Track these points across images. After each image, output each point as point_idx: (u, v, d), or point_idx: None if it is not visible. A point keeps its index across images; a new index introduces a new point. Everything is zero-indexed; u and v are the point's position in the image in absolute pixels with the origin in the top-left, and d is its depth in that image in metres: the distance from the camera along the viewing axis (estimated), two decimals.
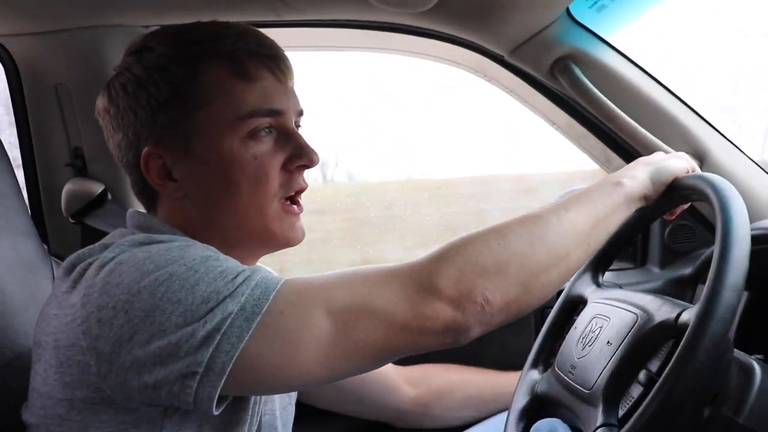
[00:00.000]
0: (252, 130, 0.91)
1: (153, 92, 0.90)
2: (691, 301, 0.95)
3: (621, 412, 0.87)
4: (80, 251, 0.87)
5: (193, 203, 0.93)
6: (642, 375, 0.86)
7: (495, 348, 1.48)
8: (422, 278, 0.79)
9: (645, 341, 0.89)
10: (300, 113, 0.97)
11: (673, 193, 0.95)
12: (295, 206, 0.95)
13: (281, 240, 0.95)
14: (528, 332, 1.49)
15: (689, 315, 0.84)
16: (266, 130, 0.92)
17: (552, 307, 1.17)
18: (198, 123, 0.91)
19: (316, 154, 0.94)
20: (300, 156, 0.93)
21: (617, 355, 0.90)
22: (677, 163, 0.97)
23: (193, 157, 0.91)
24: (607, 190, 0.90)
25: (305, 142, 0.95)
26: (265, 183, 0.91)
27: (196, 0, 1.29)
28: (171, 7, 1.32)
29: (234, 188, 0.91)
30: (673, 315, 0.87)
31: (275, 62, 0.94)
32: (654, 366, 0.87)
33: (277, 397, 1.00)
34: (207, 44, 0.92)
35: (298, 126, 0.98)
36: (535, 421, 1.06)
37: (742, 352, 0.88)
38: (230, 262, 0.82)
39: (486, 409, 1.28)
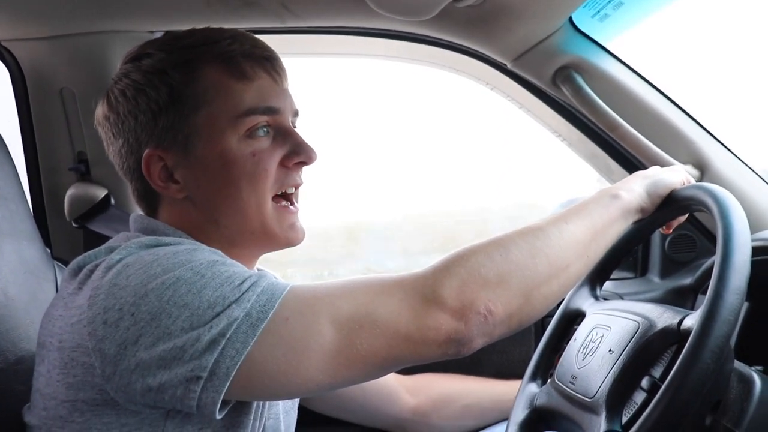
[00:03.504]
0: (250, 128, 0.93)
1: (152, 96, 0.92)
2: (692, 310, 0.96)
3: (624, 419, 0.87)
4: (86, 253, 0.88)
5: (194, 204, 0.94)
6: (645, 381, 0.86)
7: (496, 357, 1.49)
8: (425, 289, 0.80)
9: (647, 348, 0.90)
10: (296, 113, 1.00)
11: (671, 205, 0.97)
12: (291, 206, 0.97)
13: (282, 240, 0.96)
14: (528, 342, 1.49)
15: (692, 320, 0.84)
16: (264, 129, 0.94)
17: (553, 317, 1.17)
18: (197, 123, 0.92)
19: (314, 151, 0.96)
20: (298, 153, 0.95)
21: (619, 363, 0.91)
22: (673, 176, 0.99)
23: (193, 158, 0.93)
24: (604, 202, 0.92)
25: (303, 139, 0.96)
26: (264, 179, 0.93)
27: (201, 6, 1.30)
28: (176, 13, 1.33)
29: (234, 186, 0.92)
30: (676, 321, 0.88)
31: (270, 63, 0.96)
32: (657, 372, 0.87)
33: (280, 401, 1.00)
34: (203, 47, 0.94)
35: (294, 126, 0.99)
36: None
37: (742, 363, 0.88)
38: (237, 267, 0.83)
39: (485, 418, 1.28)
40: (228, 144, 0.92)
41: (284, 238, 0.96)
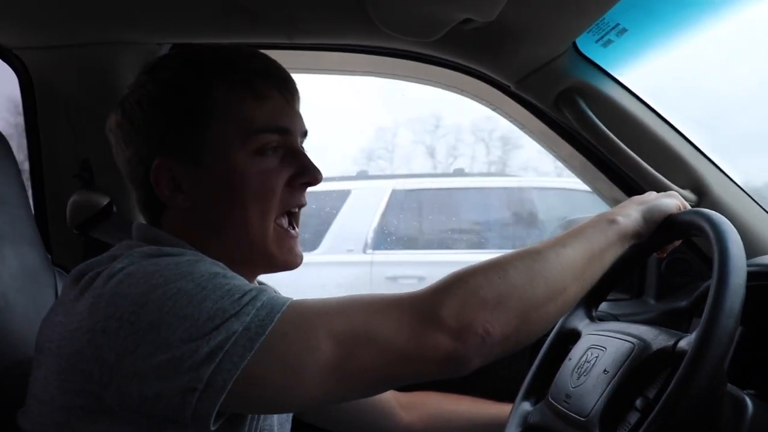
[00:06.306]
0: (260, 147, 0.94)
1: (167, 108, 0.94)
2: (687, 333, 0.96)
3: None
4: (89, 261, 0.88)
5: (199, 214, 0.95)
6: (639, 401, 0.87)
7: (490, 375, 1.48)
8: (424, 309, 0.81)
9: (642, 369, 0.90)
10: (304, 134, 1.01)
11: (668, 230, 0.97)
12: (291, 230, 0.98)
13: (280, 262, 0.97)
14: (522, 360, 1.49)
15: (687, 342, 0.85)
16: (273, 148, 0.95)
17: (548, 336, 1.17)
18: (209, 138, 0.93)
19: (320, 172, 0.97)
20: (305, 174, 0.96)
21: (614, 383, 0.91)
22: (669, 202, 1.00)
23: (202, 170, 0.94)
24: (601, 227, 0.93)
25: (310, 161, 0.98)
26: (270, 198, 0.94)
27: (210, 20, 1.31)
28: (184, 26, 1.35)
29: (239, 202, 0.93)
30: (671, 343, 0.88)
31: (283, 84, 0.97)
32: (651, 393, 0.88)
33: (275, 414, 1.01)
34: (219, 64, 0.96)
35: (301, 146, 1.00)
36: None
37: (734, 387, 0.89)
38: (238, 281, 0.83)
39: None
40: (237, 160, 0.93)
41: (282, 260, 0.97)
